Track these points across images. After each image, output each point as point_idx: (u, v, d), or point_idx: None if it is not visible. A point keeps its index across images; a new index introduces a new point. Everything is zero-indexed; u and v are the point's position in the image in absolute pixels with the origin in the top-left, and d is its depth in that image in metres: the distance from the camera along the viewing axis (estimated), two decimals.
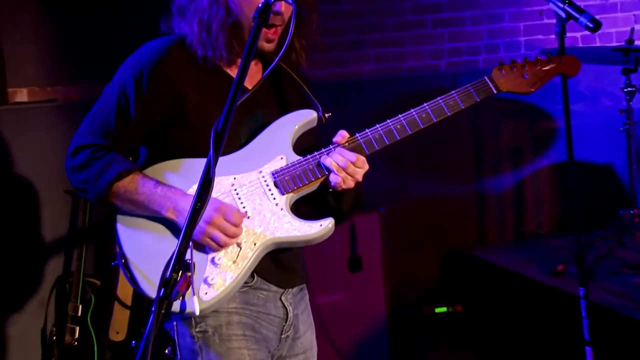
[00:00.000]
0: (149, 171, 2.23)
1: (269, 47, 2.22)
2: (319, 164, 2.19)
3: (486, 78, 2.32)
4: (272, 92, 2.33)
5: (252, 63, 2.27)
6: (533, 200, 5.28)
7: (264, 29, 2.11)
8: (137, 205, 2.18)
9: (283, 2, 2.08)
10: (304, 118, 2.27)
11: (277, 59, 1.90)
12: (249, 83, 2.26)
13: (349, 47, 5.10)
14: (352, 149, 2.20)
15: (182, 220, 2.09)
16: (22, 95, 4.55)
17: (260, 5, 1.85)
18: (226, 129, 1.69)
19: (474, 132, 5.23)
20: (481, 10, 5.27)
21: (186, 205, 2.09)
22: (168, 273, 1.60)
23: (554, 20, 3.19)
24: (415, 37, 5.19)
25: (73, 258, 4.24)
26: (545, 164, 5.29)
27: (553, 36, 4.93)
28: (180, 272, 1.62)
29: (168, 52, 2.18)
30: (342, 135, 2.22)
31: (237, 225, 2.11)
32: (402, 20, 5.16)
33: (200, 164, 2.06)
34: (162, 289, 1.59)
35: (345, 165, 2.15)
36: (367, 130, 2.24)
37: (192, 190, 2.16)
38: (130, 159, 2.26)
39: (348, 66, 5.10)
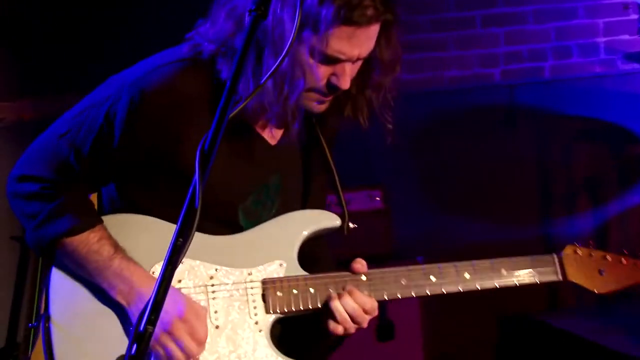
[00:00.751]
0: (111, 222, 2.22)
1: (319, 108, 2.22)
2: (323, 294, 2.23)
3: (555, 258, 2.40)
4: (293, 149, 2.35)
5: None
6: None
7: (314, 94, 2.15)
8: (83, 271, 2.20)
9: (347, 69, 2.10)
10: (322, 225, 2.33)
11: (279, 61, 1.83)
12: (272, 139, 2.30)
13: None
14: (367, 288, 2.25)
15: (133, 310, 2.13)
16: None
17: None
18: (214, 149, 1.68)
19: (538, 160, 5.18)
20: (547, 4, 5.22)
21: (143, 293, 2.11)
22: (142, 325, 1.61)
23: None
24: (461, 38, 5.19)
25: (20, 326, 4.24)
26: (637, 201, 5.24)
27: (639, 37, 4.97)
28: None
29: (181, 86, 2.16)
30: (361, 263, 2.28)
31: (200, 343, 2.15)
32: (443, 18, 5.17)
33: (163, 228, 2.15)
34: (135, 345, 1.60)
35: (354, 314, 2.21)
36: (394, 269, 2.30)
37: (158, 268, 2.17)
38: (90, 196, 2.29)
39: None
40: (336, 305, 2.23)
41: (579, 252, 2.42)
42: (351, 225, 2.35)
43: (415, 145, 5.07)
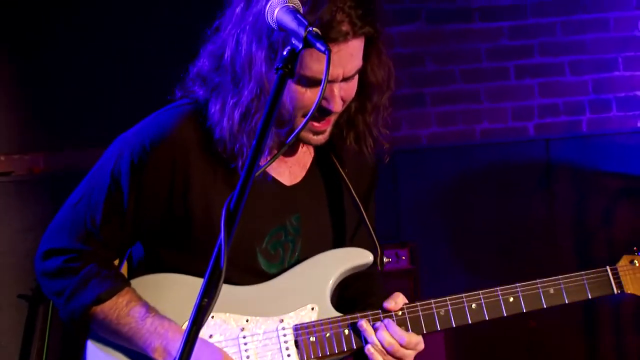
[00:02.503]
0: (140, 285, 2.26)
1: (317, 140, 2.23)
2: (358, 333, 2.22)
3: (609, 270, 2.34)
4: (314, 189, 2.37)
5: (301, 151, 2.32)
6: None
7: (311, 122, 2.15)
8: (118, 337, 2.23)
9: (335, 90, 2.11)
10: (355, 263, 2.31)
11: (305, 121, 1.83)
12: (287, 179, 2.31)
13: (404, 104, 5.08)
14: (404, 323, 2.24)
15: None
16: None
17: (285, 53, 1.80)
18: (240, 207, 1.71)
19: (576, 219, 5.08)
20: (585, 55, 5.21)
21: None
22: None
23: None
24: (494, 90, 5.17)
25: None
26: None
27: None
28: None
29: (180, 134, 2.21)
30: (395, 300, 2.25)
31: None
32: (475, 68, 5.17)
33: (190, 284, 2.20)
34: None
35: (392, 349, 2.19)
36: (431, 302, 2.27)
37: None
38: (116, 263, 2.33)
39: (401, 129, 5.09)
40: (372, 339, 2.22)
41: (637, 262, 2.33)
42: (385, 259, 2.34)
43: (445, 202, 5.00)
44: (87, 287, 2.21)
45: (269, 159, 2.23)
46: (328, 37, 2.02)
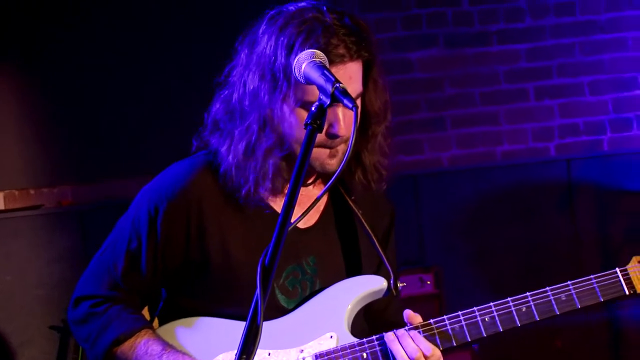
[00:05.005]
0: (162, 333, 2.31)
1: (331, 164, 2.24)
2: (377, 353, 2.23)
3: (618, 271, 2.29)
4: (329, 231, 2.38)
5: (313, 193, 2.33)
6: None
7: (320, 149, 2.18)
8: None
9: (340, 114, 2.14)
10: (368, 288, 2.30)
11: (336, 174, 1.89)
12: (302, 222, 2.27)
13: (424, 128, 5.09)
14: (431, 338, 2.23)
15: None
16: None
17: (313, 109, 1.85)
18: (275, 263, 1.75)
19: (599, 239, 5.03)
20: (604, 74, 5.19)
21: None
22: None
23: None
24: (513, 112, 5.15)
25: None
26: None
27: None
28: None
29: (193, 183, 2.29)
30: (416, 315, 2.25)
31: None
32: (494, 91, 5.15)
33: (223, 326, 2.26)
34: None
35: (415, 356, 2.17)
36: (444, 317, 2.26)
37: None
38: (141, 310, 2.38)
39: (423, 152, 5.09)
40: (397, 348, 2.20)
41: None
42: (400, 284, 2.32)
43: (468, 224, 4.98)
44: (107, 330, 2.28)
45: (277, 198, 2.29)
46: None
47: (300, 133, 2.16)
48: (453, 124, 5.11)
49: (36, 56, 4.78)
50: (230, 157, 2.24)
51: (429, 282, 4.43)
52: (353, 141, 1.83)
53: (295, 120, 2.17)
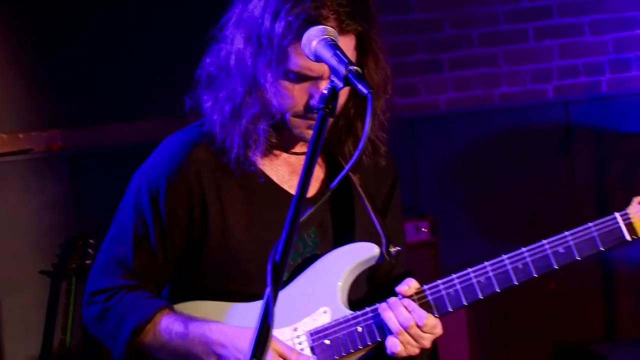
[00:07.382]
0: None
1: (310, 134, 2.18)
2: (372, 326, 2.19)
3: (617, 216, 2.18)
4: (329, 202, 2.35)
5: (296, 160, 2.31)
6: None
7: (298, 120, 2.17)
8: (168, 354, 2.22)
9: (322, 87, 2.07)
10: (359, 257, 2.25)
11: (349, 165, 1.84)
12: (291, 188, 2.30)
13: (421, 70, 5.06)
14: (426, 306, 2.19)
15: (231, 350, 2.13)
16: None
17: (326, 91, 1.82)
18: (286, 259, 1.70)
19: (596, 182, 5.05)
20: (605, 14, 5.14)
21: (231, 333, 2.14)
22: None
23: None
24: (512, 53, 5.11)
25: None
26: None
27: None
28: None
29: (190, 157, 2.26)
30: (408, 285, 2.19)
31: None
32: (492, 31, 5.11)
33: (220, 309, 2.23)
34: None
35: (408, 324, 2.13)
36: (438, 282, 2.19)
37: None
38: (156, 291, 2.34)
39: (419, 94, 5.07)
40: (389, 316, 2.16)
41: None
42: (392, 249, 2.26)
43: (464, 168, 4.98)
44: (123, 323, 2.23)
45: (267, 163, 2.28)
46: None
47: (284, 102, 2.15)
48: (451, 66, 5.07)
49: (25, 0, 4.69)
50: (215, 116, 2.22)
51: (424, 230, 4.42)
52: (368, 128, 1.76)
53: (278, 89, 2.13)
